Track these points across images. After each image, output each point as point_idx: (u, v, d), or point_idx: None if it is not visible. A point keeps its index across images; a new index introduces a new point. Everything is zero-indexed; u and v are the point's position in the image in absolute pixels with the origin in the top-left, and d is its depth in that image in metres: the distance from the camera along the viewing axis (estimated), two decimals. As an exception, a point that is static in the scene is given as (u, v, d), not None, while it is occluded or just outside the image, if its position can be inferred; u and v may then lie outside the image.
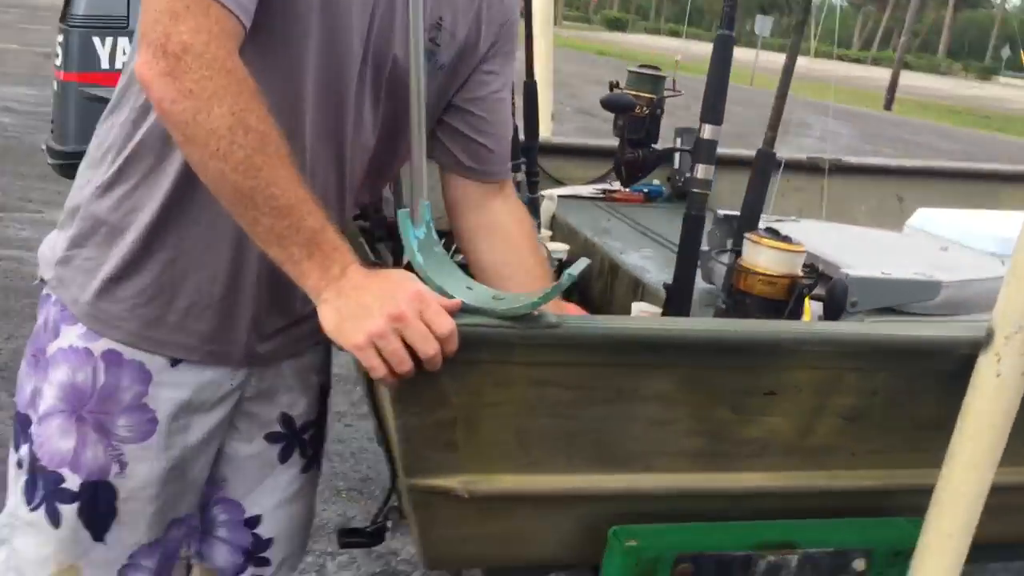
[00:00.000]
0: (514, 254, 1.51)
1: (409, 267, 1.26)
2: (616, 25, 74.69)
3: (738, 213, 1.82)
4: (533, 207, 2.37)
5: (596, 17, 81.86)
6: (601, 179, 2.83)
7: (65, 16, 1.67)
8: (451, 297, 1.20)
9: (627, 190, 2.73)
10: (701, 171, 1.69)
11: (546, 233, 2.45)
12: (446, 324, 1.14)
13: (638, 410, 1.35)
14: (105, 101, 1.55)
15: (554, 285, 1.19)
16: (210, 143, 1.11)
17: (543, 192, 2.46)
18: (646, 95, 1.95)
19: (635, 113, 1.91)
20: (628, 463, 1.41)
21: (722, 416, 1.38)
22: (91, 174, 1.35)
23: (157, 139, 1.28)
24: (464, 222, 1.53)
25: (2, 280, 4.61)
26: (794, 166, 3.01)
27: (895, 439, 1.46)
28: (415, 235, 1.25)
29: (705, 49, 1.75)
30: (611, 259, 2.19)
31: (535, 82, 2.34)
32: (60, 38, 1.67)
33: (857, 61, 60.28)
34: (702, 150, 1.69)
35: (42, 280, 1.41)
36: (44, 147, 1.70)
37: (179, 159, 1.26)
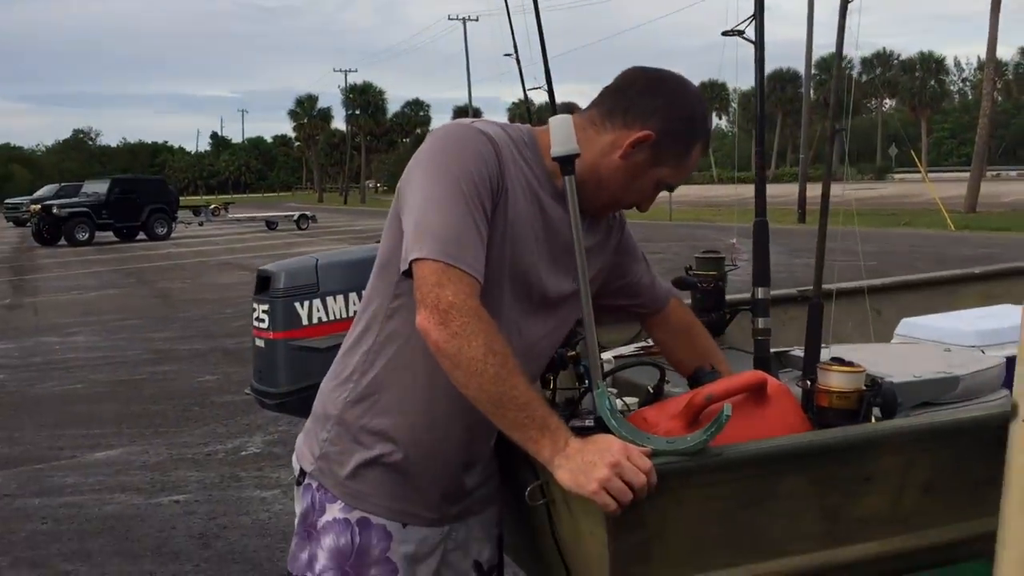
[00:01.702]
0: (689, 346, 2.21)
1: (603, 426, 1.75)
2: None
3: (785, 349, 2.34)
4: (595, 370, 2.86)
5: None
6: (635, 338, 3.34)
7: (267, 290, 2.14)
8: (642, 446, 1.68)
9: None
10: (762, 323, 2.22)
11: (612, 391, 2.93)
12: (648, 463, 1.62)
13: (777, 507, 1.82)
14: (307, 350, 2.05)
15: (713, 425, 1.68)
16: (471, 366, 1.60)
17: (605, 357, 2.95)
18: (711, 273, 2.51)
19: (704, 287, 2.45)
20: (772, 551, 1.86)
21: (835, 502, 1.86)
22: (339, 391, 1.85)
23: (392, 371, 1.78)
24: (659, 336, 2.25)
25: (71, 525, 4.89)
26: (786, 300, 3.55)
27: (960, 498, 1.94)
28: (608, 407, 1.73)
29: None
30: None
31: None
32: (265, 307, 2.13)
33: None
34: (759, 307, 2.22)
35: (303, 473, 1.87)
36: (248, 391, 2.12)
37: (411, 389, 1.79)
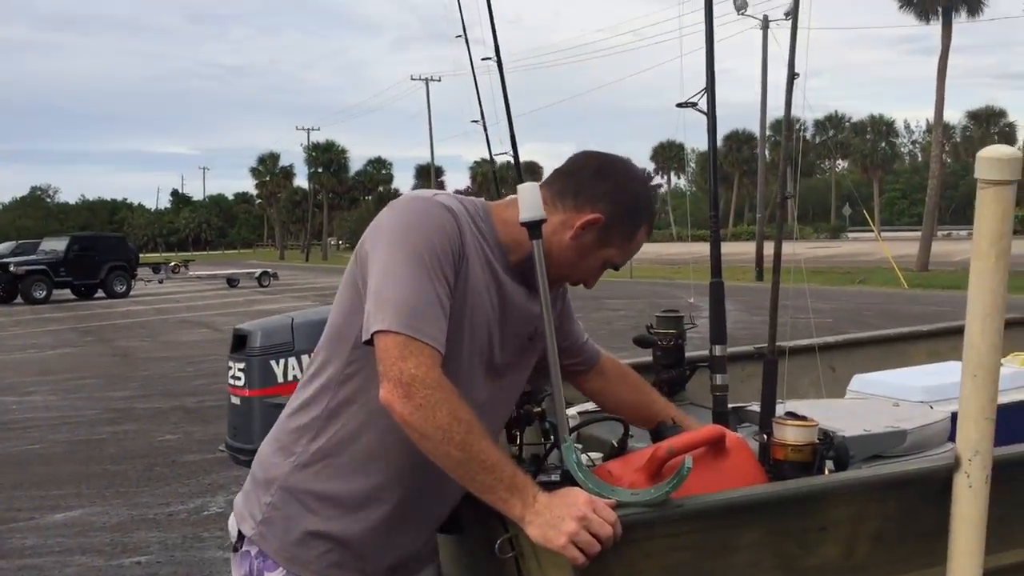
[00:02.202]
0: (631, 389, 2.34)
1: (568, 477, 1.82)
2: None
3: (743, 405, 2.44)
4: (561, 425, 2.94)
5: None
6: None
7: (244, 348, 2.20)
8: (608, 498, 1.76)
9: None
10: (719, 379, 2.32)
11: (578, 446, 3.00)
12: (613, 515, 1.69)
13: (736, 557, 1.89)
14: (282, 407, 2.11)
15: (675, 478, 1.76)
16: (438, 436, 1.65)
17: (569, 412, 3.03)
18: (671, 331, 2.61)
19: (664, 345, 2.55)
20: (732, 602, 1.93)
21: (790, 551, 1.94)
22: (284, 455, 1.85)
23: (344, 436, 1.83)
24: (592, 388, 2.36)
25: (30, 586, 4.83)
26: (743, 356, 3.67)
27: (910, 548, 2.03)
28: (575, 460, 1.81)
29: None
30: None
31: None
32: (241, 364, 2.19)
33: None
34: (717, 364, 2.32)
35: (240, 537, 1.86)
36: (223, 448, 2.17)
37: (363, 455, 1.82)
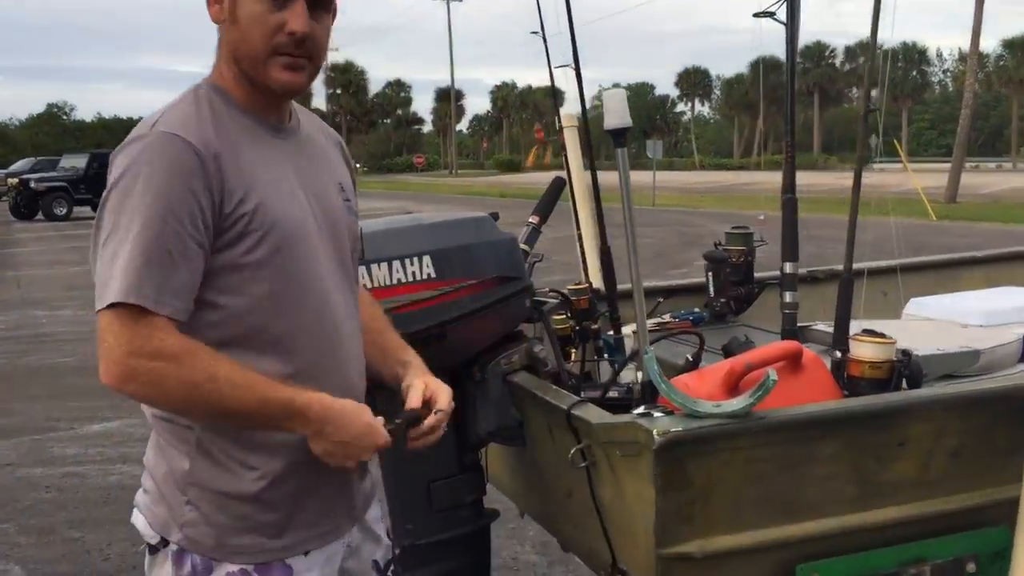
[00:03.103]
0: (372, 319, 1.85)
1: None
2: (509, 166, 77.46)
3: (807, 324, 2.42)
4: (619, 345, 2.93)
5: (488, 162, 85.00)
6: (652, 313, 3.42)
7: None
8: (692, 409, 1.75)
9: (678, 320, 3.32)
10: (789, 296, 2.29)
11: (632, 365, 2.99)
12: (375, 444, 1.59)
13: (813, 470, 1.89)
14: None
15: (759, 390, 1.75)
16: (184, 407, 1.50)
17: (624, 331, 3.02)
18: (740, 248, 2.58)
19: (734, 261, 2.52)
20: (806, 513, 1.93)
21: (867, 465, 1.93)
22: (180, 448, 1.58)
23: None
24: None
25: (76, 494, 4.93)
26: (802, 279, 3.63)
27: (985, 465, 2.02)
28: (657, 372, 1.80)
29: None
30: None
31: (609, 247, 2.95)
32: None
33: (742, 168, 63.92)
34: (787, 282, 2.29)
35: (162, 544, 1.59)
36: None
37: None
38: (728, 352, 2.26)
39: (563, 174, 3.16)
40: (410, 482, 2.45)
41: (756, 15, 2.35)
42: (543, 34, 3.03)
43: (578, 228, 3.17)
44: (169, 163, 1.46)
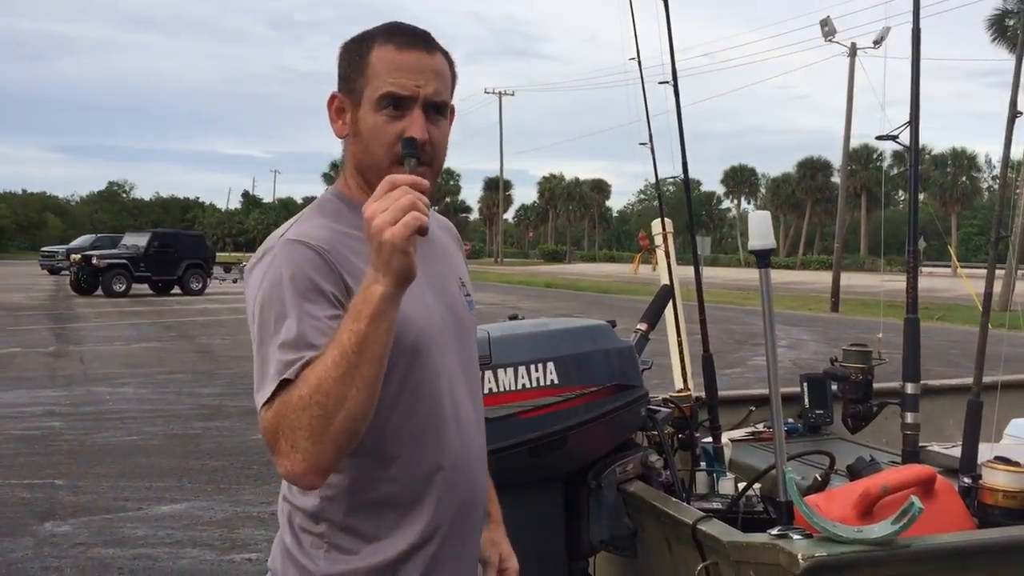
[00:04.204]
0: None
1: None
2: (554, 256, 77.85)
3: (924, 445, 2.40)
4: (719, 454, 2.93)
5: (534, 252, 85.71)
6: (743, 422, 3.41)
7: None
8: (832, 533, 1.75)
9: (771, 430, 3.31)
10: (911, 417, 2.28)
11: (730, 475, 2.98)
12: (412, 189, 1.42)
13: (953, 605, 1.86)
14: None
15: (904, 516, 1.74)
16: (314, 423, 1.40)
17: (724, 440, 3.02)
18: (858, 365, 2.59)
19: (852, 379, 2.53)
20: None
21: (1007, 604, 1.90)
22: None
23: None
24: None
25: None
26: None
27: None
28: (796, 492, 1.80)
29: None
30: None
31: (712, 355, 2.97)
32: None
33: (786, 267, 63.75)
34: (909, 402, 2.29)
35: None
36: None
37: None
38: (854, 473, 2.25)
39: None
40: (520, 589, 2.44)
41: (879, 138, 2.40)
42: (651, 144, 3.10)
43: (679, 335, 3.20)
44: (295, 262, 1.52)
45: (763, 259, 1.85)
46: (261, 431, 1.47)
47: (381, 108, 1.59)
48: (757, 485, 2.81)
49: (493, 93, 70.03)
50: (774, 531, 1.88)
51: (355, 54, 1.63)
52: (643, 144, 3.12)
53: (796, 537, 1.82)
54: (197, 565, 5.08)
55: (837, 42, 26.13)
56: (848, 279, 29.39)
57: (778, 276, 50.67)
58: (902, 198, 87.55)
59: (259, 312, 1.53)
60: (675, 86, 2.91)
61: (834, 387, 3.27)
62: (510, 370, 2.26)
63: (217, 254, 39.35)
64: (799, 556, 1.73)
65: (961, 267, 30.17)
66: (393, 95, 1.59)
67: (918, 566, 1.81)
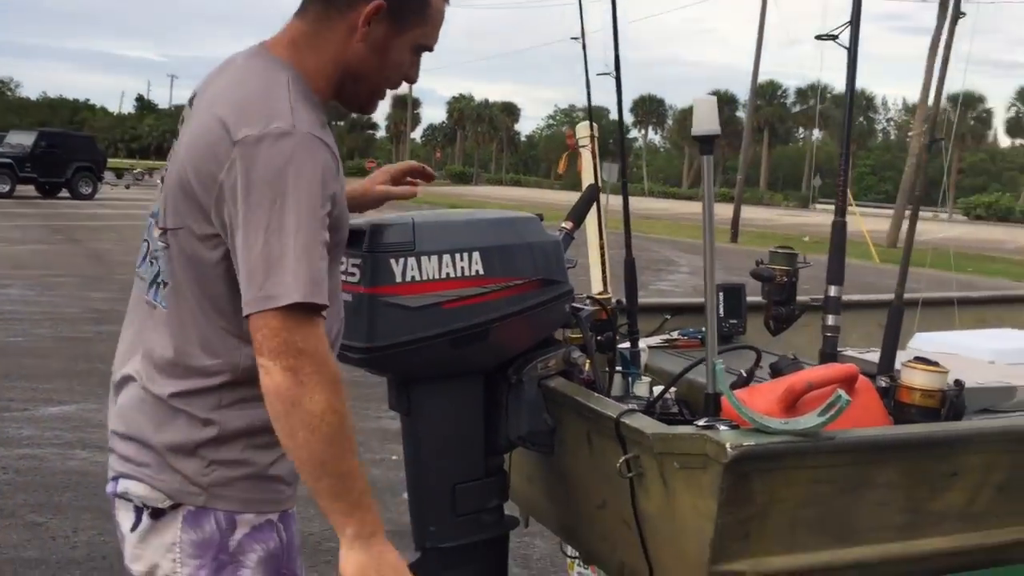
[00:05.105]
0: None
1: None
2: (461, 178, 77.36)
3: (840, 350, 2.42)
4: (636, 358, 2.91)
5: (441, 173, 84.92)
6: (658, 331, 3.40)
7: (360, 244, 2.12)
8: (762, 424, 1.73)
9: (685, 338, 3.32)
10: (832, 319, 2.29)
11: (646, 378, 2.97)
12: None
13: (869, 495, 1.88)
14: (398, 307, 2.05)
15: (829, 410, 1.74)
16: (307, 420, 1.45)
17: (641, 345, 3.00)
18: (784, 267, 2.57)
19: (777, 281, 2.51)
20: (856, 539, 1.92)
21: (920, 494, 1.93)
22: (204, 399, 1.61)
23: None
24: None
25: (35, 477, 4.73)
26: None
27: (1028, 501, 2.03)
28: (726, 384, 1.78)
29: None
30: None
31: (634, 259, 2.94)
32: (357, 261, 2.11)
33: (688, 199, 64.80)
34: (831, 304, 2.29)
35: (171, 508, 1.61)
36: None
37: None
38: (776, 371, 2.25)
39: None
40: (435, 483, 2.38)
41: (819, 37, 2.35)
42: (583, 40, 3.01)
43: (600, 237, 3.14)
44: (323, 168, 1.53)
45: (707, 145, 1.78)
46: (269, 327, 1.45)
47: (415, 52, 1.72)
48: (673, 389, 2.82)
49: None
50: (700, 422, 1.86)
51: None
52: (575, 39, 3.01)
53: (723, 428, 1.80)
54: (87, 467, 4.90)
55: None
56: (746, 211, 30.00)
57: (680, 207, 51.48)
58: (801, 135, 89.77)
59: (273, 197, 1.47)
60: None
61: (748, 298, 3.31)
62: (434, 258, 2.15)
63: (108, 159, 37.69)
64: (727, 445, 1.71)
65: (856, 205, 31.10)
66: (429, 48, 1.73)
67: (841, 457, 1.81)
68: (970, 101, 67.28)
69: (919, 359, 2.12)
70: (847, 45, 2.32)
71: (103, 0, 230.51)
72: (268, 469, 1.64)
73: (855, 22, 2.33)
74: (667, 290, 14.83)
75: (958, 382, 2.09)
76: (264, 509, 1.65)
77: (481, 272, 2.20)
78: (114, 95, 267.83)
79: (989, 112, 68.33)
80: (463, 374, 2.34)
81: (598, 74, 2.88)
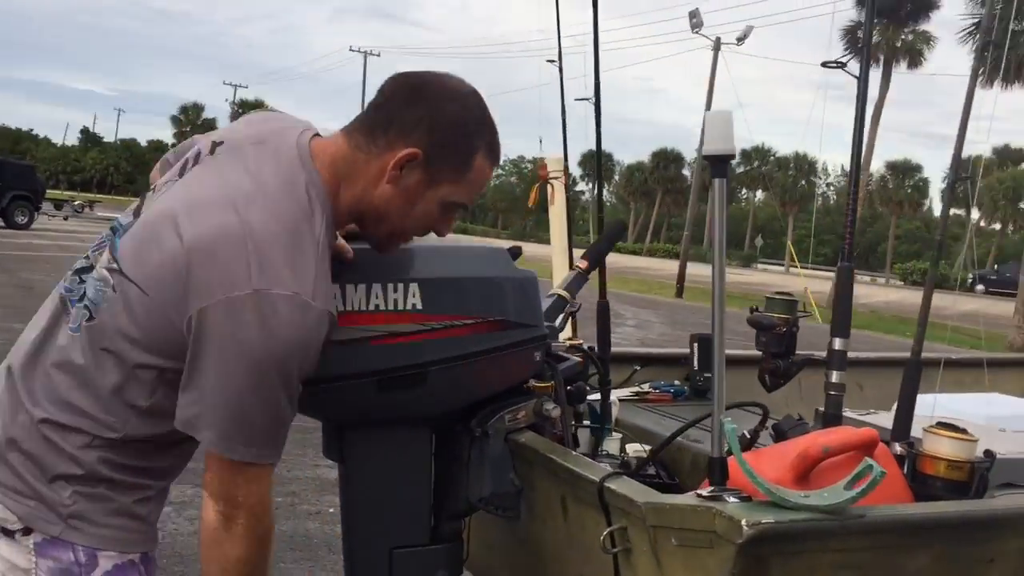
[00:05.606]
0: None
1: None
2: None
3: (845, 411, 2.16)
4: (606, 411, 2.63)
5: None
6: (627, 381, 3.14)
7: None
8: (778, 498, 1.45)
9: (657, 391, 3.05)
10: (836, 376, 2.03)
11: (617, 434, 2.68)
12: None
13: (899, 583, 1.61)
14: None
15: (856, 479, 1.46)
16: (231, 568, 1.52)
17: (613, 398, 2.72)
18: (783, 316, 2.30)
19: (776, 331, 2.25)
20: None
21: (954, 583, 1.66)
22: (77, 439, 1.54)
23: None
24: None
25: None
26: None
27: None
28: (739, 449, 1.50)
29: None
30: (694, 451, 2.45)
31: (607, 302, 2.66)
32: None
33: (634, 253, 65.23)
34: (835, 359, 2.03)
35: (23, 533, 1.54)
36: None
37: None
38: (780, 433, 1.98)
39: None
40: (369, 545, 2.05)
41: (825, 64, 2.13)
42: (560, 63, 2.77)
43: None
44: (317, 344, 1.52)
45: (719, 167, 1.53)
46: (226, 466, 1.49)
47: (445, 208, 1.65)
48: (640, 447, 2.53)
49: (359, 52, 68.21)
50: (703, 491, 1.57)
51: (463, 143, 1.61)
52: (551, 62, 2.78)
53: (731, 499, 1.52)
54: None
55: (703, 35, 26.58)
56: (691, 268, 30.09)
57: (626, 260, 51.64)
58: (744, 195, 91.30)
59: (263, 355, 1.46)
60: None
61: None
62: (361, 287, 1.83)
63: (48, 190, 36.64)
64: (743, 522, 1.42)
65: (800, 266, 31.50)
66: (463, 207, 1.67)
67: (869, 539, 1.54)
68: (908, 169, 69.17)
69: (942, 424, 1.86)
70: (856, 75, 2.10)
71: (53, 31, 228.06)
72: (133, 508, 1.60)
73: (866, 48, 2.12)
74: (615, 342, 14.56)
75: (988, 452, 1.84)
76: (127, 549, 1.59)
77: (419, 307, 1.88)
78: (59, 127, 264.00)
79: (926, 181, 70.16)
80: (404, 422, 2.02)
81: (576, 99, 2.64)
